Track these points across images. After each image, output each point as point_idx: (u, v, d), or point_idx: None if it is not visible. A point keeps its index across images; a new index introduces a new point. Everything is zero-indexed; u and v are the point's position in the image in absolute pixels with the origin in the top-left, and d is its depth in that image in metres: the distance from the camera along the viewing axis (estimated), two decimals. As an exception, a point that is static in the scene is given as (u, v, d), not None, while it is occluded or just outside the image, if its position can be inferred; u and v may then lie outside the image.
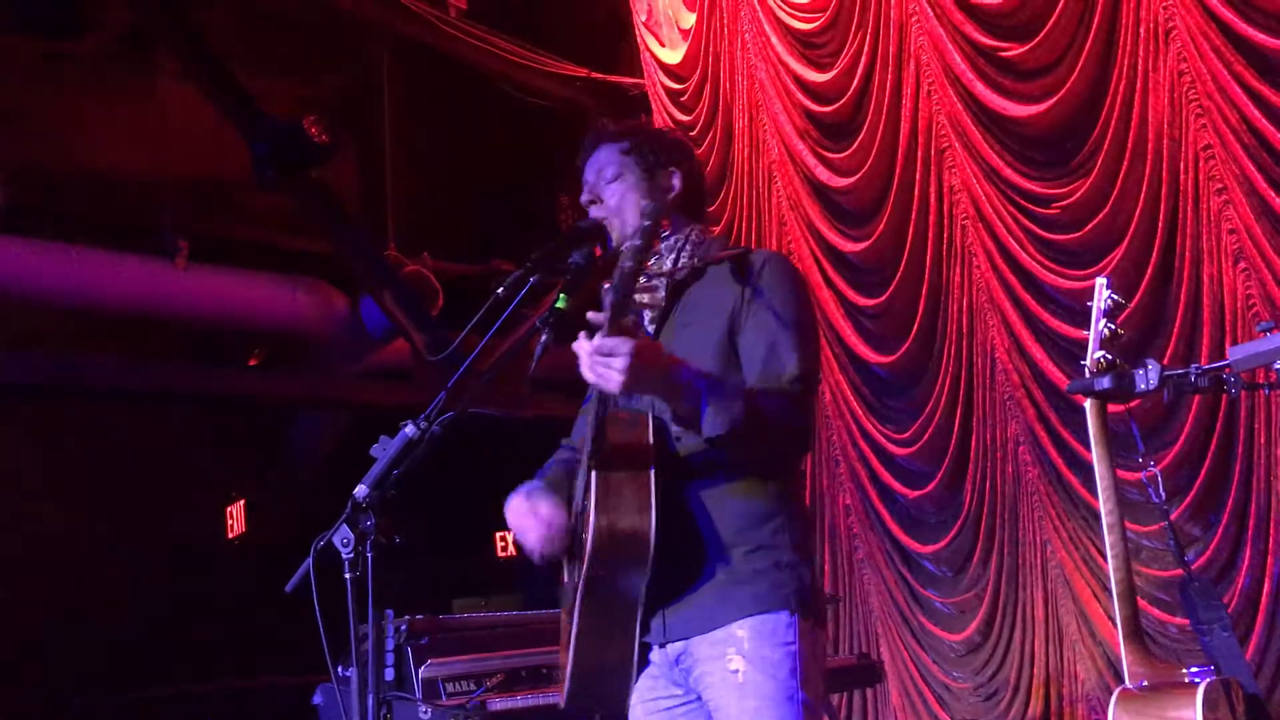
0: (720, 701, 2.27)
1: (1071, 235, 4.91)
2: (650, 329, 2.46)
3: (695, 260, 2.45)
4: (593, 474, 2.23)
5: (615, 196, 2.49)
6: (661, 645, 2.35)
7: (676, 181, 2.52)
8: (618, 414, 2.31)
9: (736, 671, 2.23)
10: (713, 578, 2.28)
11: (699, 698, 2.34)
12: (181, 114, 6.36)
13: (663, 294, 2.43)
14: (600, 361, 2.11)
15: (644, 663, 2.38)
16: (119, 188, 6.36)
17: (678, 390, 2.20)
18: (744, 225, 6.23)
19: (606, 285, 2.20)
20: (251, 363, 7.19)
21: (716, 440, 2.20)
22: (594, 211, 2.52)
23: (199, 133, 6.42)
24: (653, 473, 2.24)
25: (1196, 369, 2.72)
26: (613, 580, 2.24)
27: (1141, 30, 4.61)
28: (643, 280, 2.44)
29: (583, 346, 2.14)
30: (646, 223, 2.20)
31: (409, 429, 2.31)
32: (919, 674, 5.54)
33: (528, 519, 2.41)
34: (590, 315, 2.20)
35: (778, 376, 2.29)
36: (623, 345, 2.11)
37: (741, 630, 2.25)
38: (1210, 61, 4.41)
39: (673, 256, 2.46)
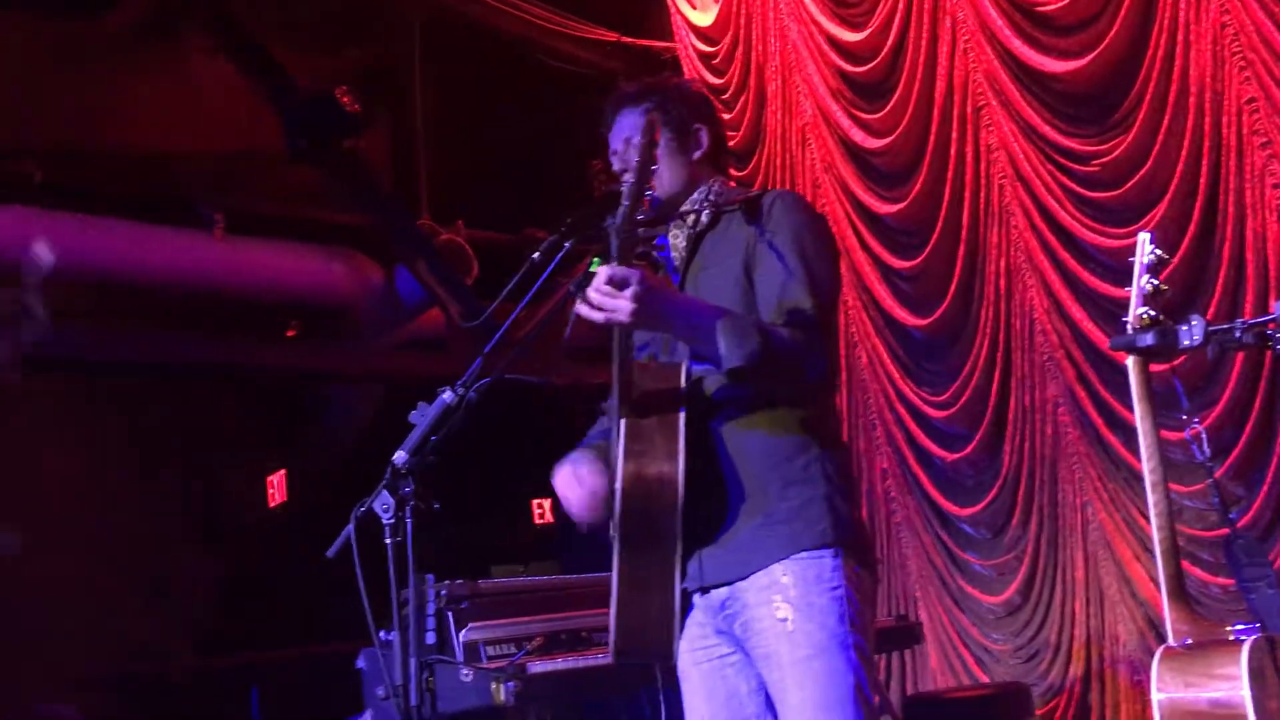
0: (770, 649, 2.25)
1: (1112, 193, 4.84)
2: (675, 280, 2.48)
3: (712, 205, 2.45)
4: (622, 421, 2.23)
5: None
6: (703, 592, 2.34)
7: (705, 138, 2.51)
8: (649, 364, 2.31)
9: (785, 620, 2.22)
10: (748, 517, 2.28)
11: (744, 651, 2.33)
12: (213, 88, 6.38)
13: (684, 245, 2.45)
14: (608, 292, 2.10)
15: (687, 610, 2.36)
16: (153, 163, 6.40)
17: (691, 325, 2.20)
18: (778, 188, 6.18)
19: (609, 221, 2.19)
20: (288, 335, 7.24)
21: (734, 373, 2.19)
22: (628, 179, 2.50)
23: (232, 106, 6.43)
24: (682, 419, 2.24)
25: (1241, 324, 2.68)
26: (646, 528, 2.23)
27: (1183, -19, 4.52)
28: (676, 231, 2.46)
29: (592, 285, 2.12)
30: (636, 157, 2.16)
31: (447, 395, 2.33)
32: (958, 636, 5.53)
33: (571, 486, 2.42)
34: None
35: (792, 308, 2.27)
36: (633, 274, 2.11)
37: (786, 576, 2.24)
38: (1254, 13, 4.33)
39: (696, 210, 2.46)
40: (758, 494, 2.28)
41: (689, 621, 2.37)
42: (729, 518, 2.28)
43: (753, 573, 2.27)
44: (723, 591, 2.31)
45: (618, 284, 2.10)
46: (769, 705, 2.32)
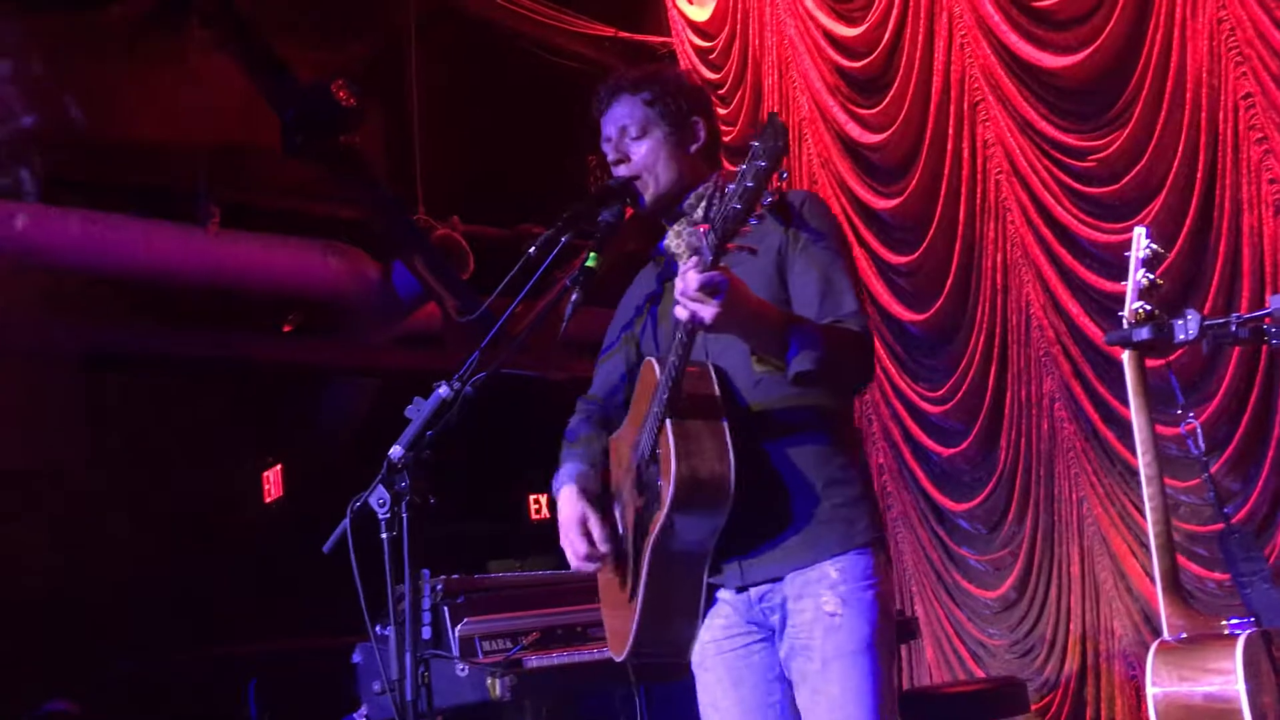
0: (812, 640, 2.28)
1: (1108, 188, 4.84)
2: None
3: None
4: (667, 422, 2.24)
5: (644, 153, 2.45)
6: (739, 590, 2.35)
7: (702, 131, 2.49)
8: (685, 367, 2.30)
9: (834, 615, 2.26)
10: (794, 518, 2.30)
11: (772, 635, 2.34)
12: (212, 82, 6.36)
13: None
14: (698, 297, 2.09)
15: (710, 604, 2.39)
16: (151, 156, 6.38)
17: (766, 328, 2.22)
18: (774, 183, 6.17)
19: (704, 229, 2.14)
20: (285, 329, 7.23)
21: (802, 376, 2.22)
22: (621, 170, 2.48)
23: (230, 100, 6.42)
24: (726, 422, 2.26)
25: (1237, 318, 2.68)
26: (689, 526, 2.26)
27: (1179, -24, 4.52)
28: (678, 227, 2.45)
29: (682, 281, 2.10)
30: (761, 163, 2.04)
31: (442, 390, 2.33)
32: (954, 631, 5.54)
33: (578, 532, 2.41)
34: (692, 259, 2.15)
35: (838, 313, 2.30)
36: (724, 282, 2.10)
37: (834, 570, 2.28)
38: (1250, 8, 4.32)
39: (703, 205, 2.44)
40: (802, 494, 2.30)
41: (711, 613, 2.39)
42: (774, 518, 2.31)
43: (799, 568, 2.29)
44: (761, 587, 2.33)
45: (710, 291, 2.09)
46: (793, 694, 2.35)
